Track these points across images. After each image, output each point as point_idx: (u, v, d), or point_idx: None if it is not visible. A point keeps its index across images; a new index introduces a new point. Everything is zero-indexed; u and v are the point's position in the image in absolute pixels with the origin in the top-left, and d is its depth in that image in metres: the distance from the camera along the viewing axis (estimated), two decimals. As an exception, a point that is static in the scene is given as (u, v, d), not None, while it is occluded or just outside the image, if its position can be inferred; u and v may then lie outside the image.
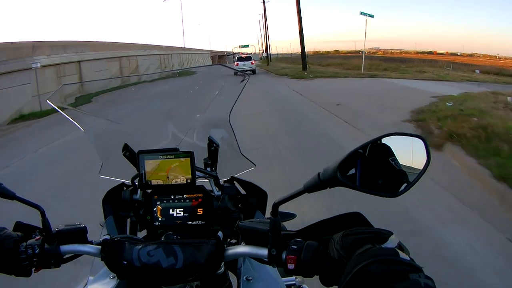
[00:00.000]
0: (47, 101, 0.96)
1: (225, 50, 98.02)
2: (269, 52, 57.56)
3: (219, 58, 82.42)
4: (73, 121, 1.00)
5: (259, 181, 1.01)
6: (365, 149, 0.61)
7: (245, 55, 28.37)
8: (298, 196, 0.62)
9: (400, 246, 0.55)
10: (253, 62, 26.53)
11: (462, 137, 4.85)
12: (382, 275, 0.48)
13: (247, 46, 75.14)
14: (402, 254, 0.52)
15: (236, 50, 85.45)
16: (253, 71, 25.02)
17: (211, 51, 73.84)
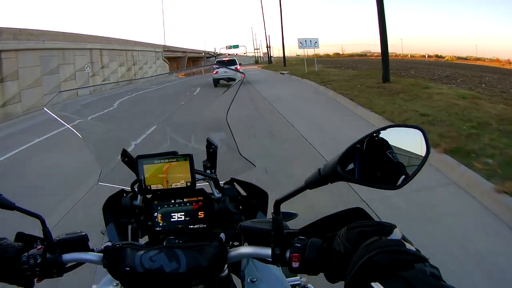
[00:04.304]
0: (44, 109, 0.95)
1: (203, 50, 67.88)
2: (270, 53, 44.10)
3: (194, 61, 57.40)
4: (71, 128, 1.00)
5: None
6: (363, 143, 0.61)
7: (228, 59, 21.27)
8: (299, 193, 0.62)
9: (404, 238, 0.55)
10: (238, 67, 19.60)
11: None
12: (388, 264, 0.49)
13: (236, 46, 60.54)
14: (408, 245, 0.52)
15: (223, 52, 65.01)
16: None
17: (166, 47, 41.30)
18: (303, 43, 21.87)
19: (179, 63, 47.95)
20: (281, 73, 25.66)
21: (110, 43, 25.36)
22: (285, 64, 35.55)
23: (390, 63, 12.80)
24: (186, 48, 53.13)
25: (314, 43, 21.98)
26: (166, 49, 40.96)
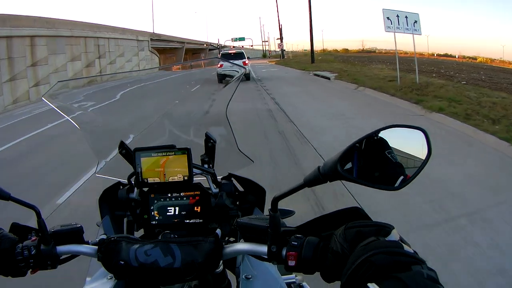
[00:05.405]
0: (42, 98, 0.94)
1: (205, 41, 58.98)
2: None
3: (194, 53, 50.07)
4: (69, 118, 0.99)
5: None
6: (362, 142, 0.60)
7: (234, 51, 18.84)
8: (298, 191, 0.61)
9: (402, 240, 0.55)
10: (247, 62, 17.48)
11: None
12: (385, 265, 0.49)
13: (242, 39, 55.98)
14: (406, 247, 0.52)
15: (228, 44, 57.53)
16: (247, 76, 15.95)
17: (154, 35, 31.92)
18: (393, 21, 10.25)
19: (176, 55, 40.15)
20: (315, 74, 18.05)
21: (54, 27, 16.40)
22: (313, 60, 25.36)
23: (421, 63, 7.71)
24: (183, 38, 42.81)
25: (413, 23, 10.44)
26: (155, 37, 31.33)
